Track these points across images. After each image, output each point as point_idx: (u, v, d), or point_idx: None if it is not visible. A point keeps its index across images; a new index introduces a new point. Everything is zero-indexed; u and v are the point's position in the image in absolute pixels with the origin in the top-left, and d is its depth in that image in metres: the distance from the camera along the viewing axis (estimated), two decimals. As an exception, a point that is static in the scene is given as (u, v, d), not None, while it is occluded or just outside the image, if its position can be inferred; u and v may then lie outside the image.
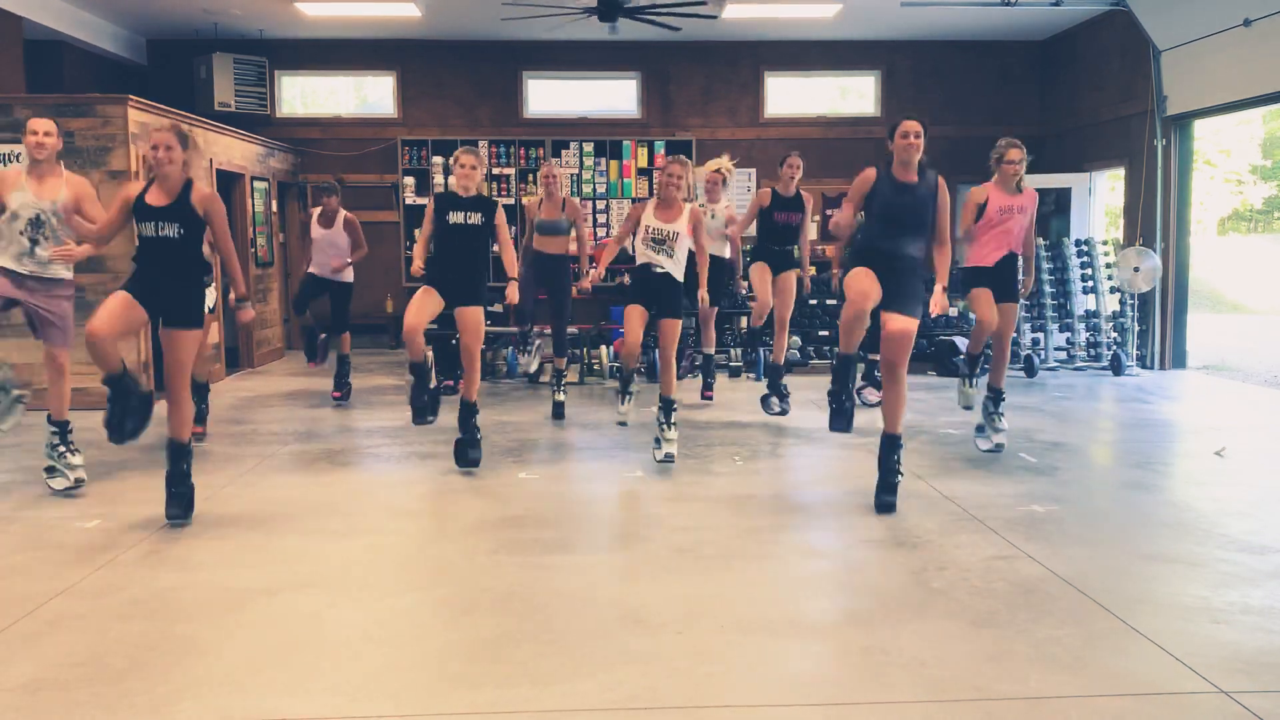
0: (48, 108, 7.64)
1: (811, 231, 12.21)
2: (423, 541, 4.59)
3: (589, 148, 11.88)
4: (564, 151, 11.85)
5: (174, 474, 4.70)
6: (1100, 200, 11.64)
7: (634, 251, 6.07)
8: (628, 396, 6.23)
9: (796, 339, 10.06)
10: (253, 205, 10.33)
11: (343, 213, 8.01)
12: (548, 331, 7.97)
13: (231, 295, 4.96)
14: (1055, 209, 11.10)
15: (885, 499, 4.91)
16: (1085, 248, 10.27)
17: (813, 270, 11.55)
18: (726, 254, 8.10)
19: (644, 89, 12.22)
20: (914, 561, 4.19)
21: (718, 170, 7.83)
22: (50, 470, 5.28)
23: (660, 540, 4.52)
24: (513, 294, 5.91)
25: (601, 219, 11.88)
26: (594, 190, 11.89)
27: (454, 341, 7.22)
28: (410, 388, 5.95)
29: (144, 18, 10.76)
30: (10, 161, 7.48)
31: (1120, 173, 10.80)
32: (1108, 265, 10.09)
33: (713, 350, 8.20)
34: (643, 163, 11.88)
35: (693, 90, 12.24)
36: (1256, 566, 4.08)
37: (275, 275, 11.10)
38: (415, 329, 5.63)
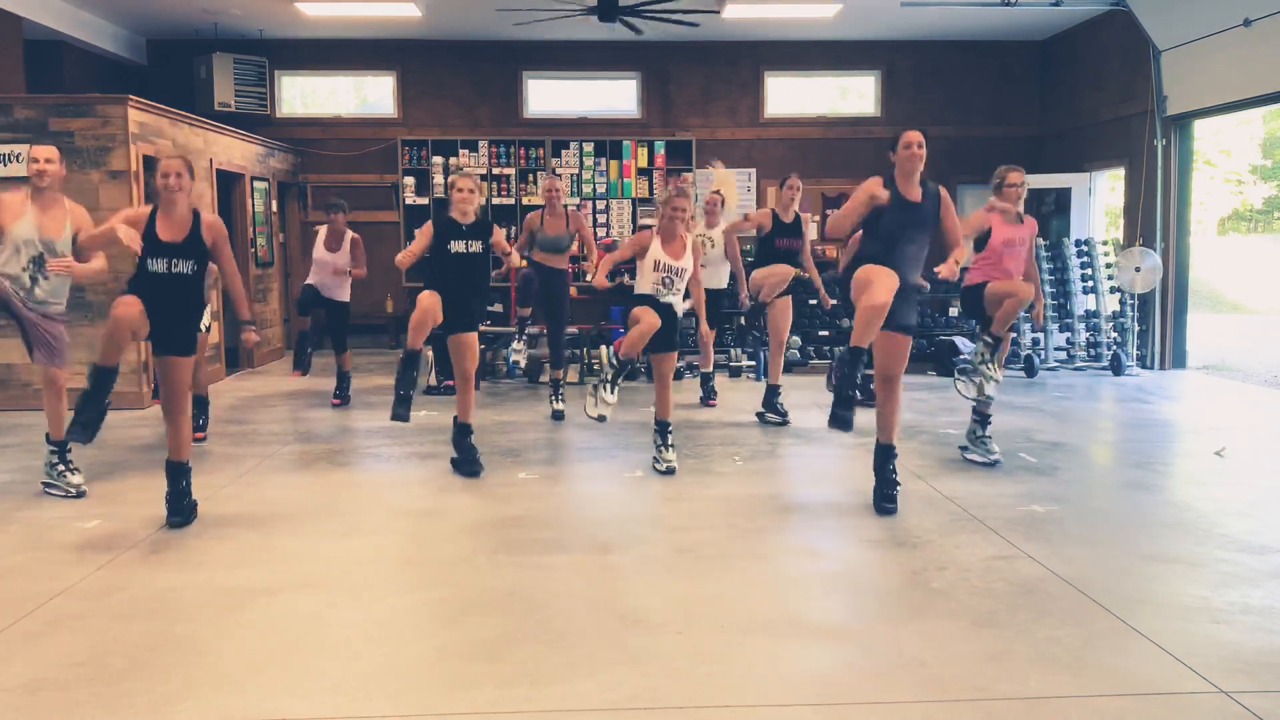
0: (48, 107, 7.66)
1: (811, 231, 12.28)
2: (423, 541, 4.59)
3: (589, 148, 11.87)
4: (564, 151, 11.84)
5: (174, 493, 4.69)
6: (1100, 200, 11.64)
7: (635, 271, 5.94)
8: (615, 387, 5.81)
9: (796, 339, 10.06)
10: (253, 205, 10.34)
11: (349, 234, 7.99)
12: (543, 332, 7.93)
13: (209, 313, 4.93)
14: (1055, 209, 11.10)
15: (886, 506, 4.91)
16: (1085, 248, 10.27)
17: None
18: (724, 284, 8.04)
19: (644, 89, 12.22)
20: (914, 561, 4.19)
21: (716, 192, 7.79)
22: (48, 485, 5.27)
23: (660, 540, 4.52)
24: (505, 247, 5.87)
25: (601, 219, 11.87)
26: (594, 190, 11.88)
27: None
28: (398, 372, 5.60)
29: (144, 18, 10.76)
30: (10, 162, 7.48)
31: (1120, 173, 10.80)
32: (1108, 265, 10.09)
33: (710, 369, 8.10)
34: (643, 163, 11.87)
35: (693, 90, 12.24)
36: (1256, 566, 4.08)
37: (275, 275, 11.10)
38: (432, 309, 5.43)
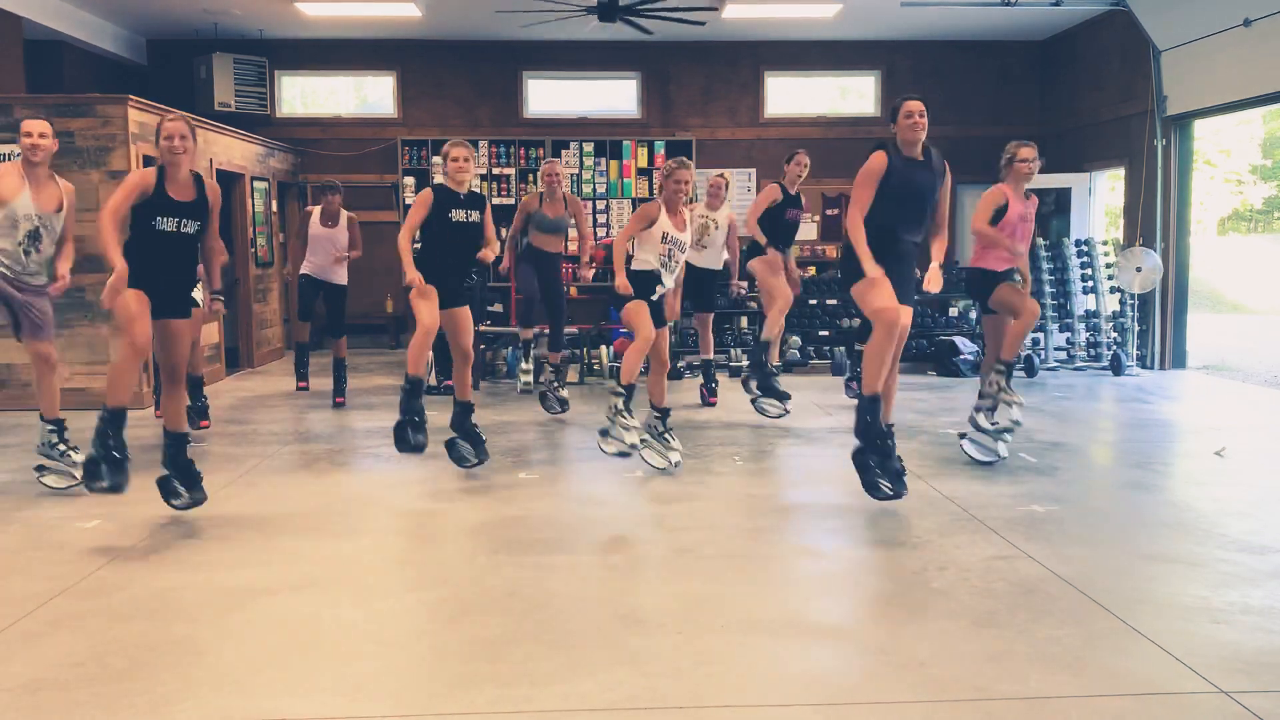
0: (48, 108, 7.65)
1: (811, 231, 12.29)
2: (422, 542, 4.58)
3: (589, 148, 11.88)
4: (564, 151, 11.84)
5: (184, 465, 4.69)
6: (1100, 200, 11.65)
7: (634, 249, 5.88)
8: (630, 411, 5.66)
9: (796, 339, 10.06)
10: (253, 205, 10.34)
11: (345, 213, 8.04)
12: (546, 332, 7.93)
13: (202, 292, 4.90)
14: (1055, 209, 11.09)
15: (894, 472, 4.82)
16: (1085, 248, 10.27)
17: (812, 270, 11.58)
18: (720, 266, 8.05)
19: (644, 89, 12.22)
20: (914, 561, 4.18)
21: (721, 174, 7.81)
22: (41, 469, 5.27)
23: (660, 540, 4.52)
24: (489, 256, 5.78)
25: (601, 219, 11.88)
26: (594, 190, 11.89)
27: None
28: (403, 402, 5.52)
29: (144, 18, 10.77)
30: (10, 161, 7.47)
31: (1120, 173, 10.81)
32: (1108, 265, 10.09)
33: (711, 355, 8.08)
34: (643, 163, 11.88)
35: (693, 90, 12.24)
36: (1256, 566, 4.08)
37: (275, 275, 11.10)
38: (433, 328, 5.38)
